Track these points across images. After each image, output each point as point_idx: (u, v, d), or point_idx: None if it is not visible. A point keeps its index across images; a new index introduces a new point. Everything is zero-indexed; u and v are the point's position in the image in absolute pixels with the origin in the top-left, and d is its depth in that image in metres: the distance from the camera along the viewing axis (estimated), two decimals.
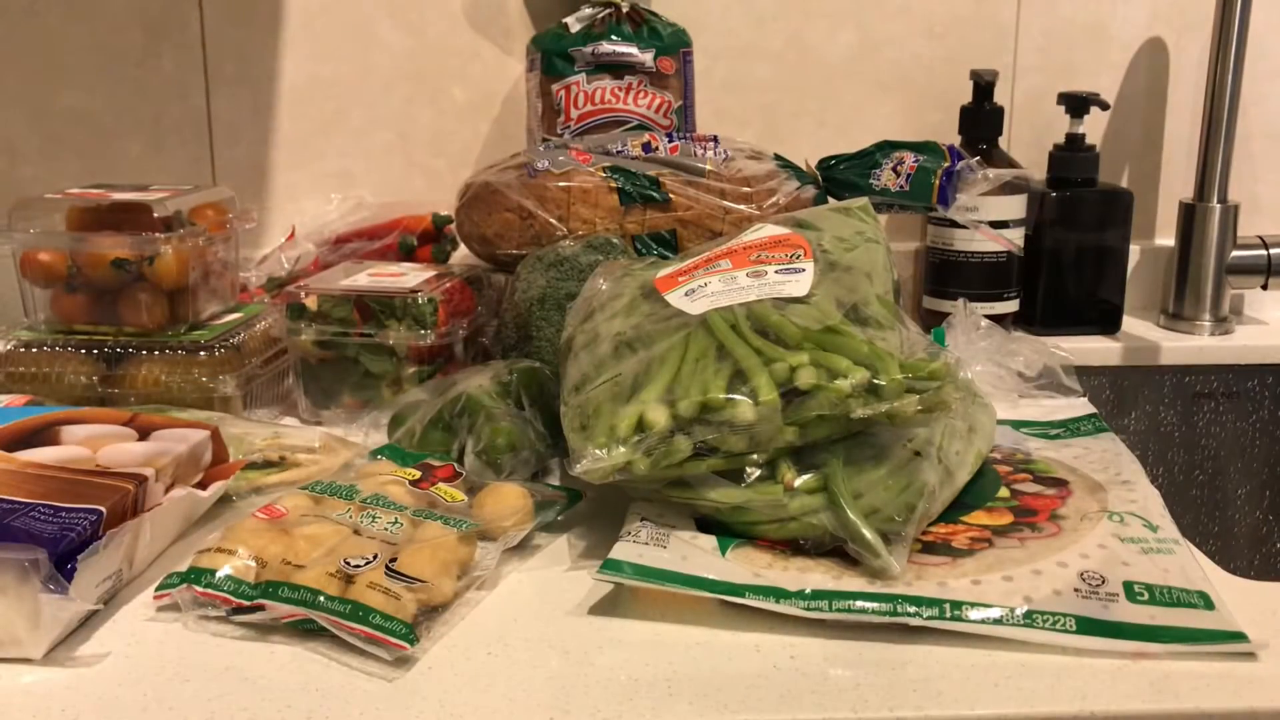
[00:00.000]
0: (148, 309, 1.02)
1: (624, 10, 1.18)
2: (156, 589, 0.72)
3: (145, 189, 1.07)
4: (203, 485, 0.82)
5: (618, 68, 1.17)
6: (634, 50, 1.16)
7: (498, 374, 0.93)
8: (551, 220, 1.03)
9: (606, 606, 0.72)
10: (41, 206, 1.04)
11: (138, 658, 0.67)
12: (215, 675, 0.65)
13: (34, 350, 1.02)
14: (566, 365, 0.83)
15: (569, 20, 1.18)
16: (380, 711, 0.62)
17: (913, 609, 0.67)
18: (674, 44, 1.18)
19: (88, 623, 0.70)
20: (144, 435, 0.83)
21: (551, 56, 1.17)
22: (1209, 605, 0.67)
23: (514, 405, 0.90)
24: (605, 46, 1.16)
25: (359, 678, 0.65)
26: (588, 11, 1.18)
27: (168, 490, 0.78)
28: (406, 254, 1.22)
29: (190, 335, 1.02)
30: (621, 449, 0.72)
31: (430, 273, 1.08)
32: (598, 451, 0.72)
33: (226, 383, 0.99)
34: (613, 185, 1.04)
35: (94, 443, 0.81)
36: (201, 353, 1.00)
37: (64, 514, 0.69)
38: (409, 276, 1.06)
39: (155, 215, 1.01)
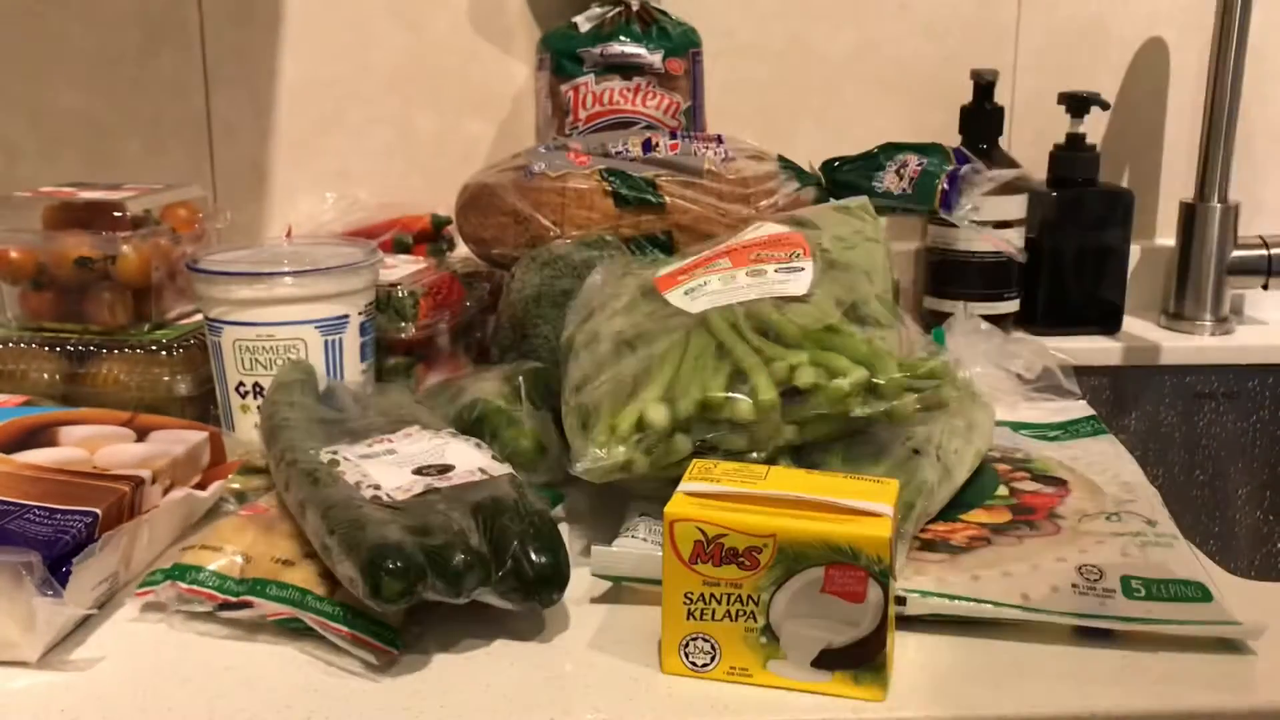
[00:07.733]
0: (110, 308, 1.01)
1: (634, 9, 1.18)
2: (139, 586, 0.72)
3: (118, 188, 1.07)
4: (201, 486, 0.82)
5: (626, 69, 1.16)
6: (643, 51, 1.16)
7: (507, 377, 0.92)
8: (546, 223, 1.02)
9: (607, 605, 0.72)
10: (14, 204, 1.04)
11: (136, 659, 0.67)
12: (214, 675, 0.65)
13: (2, 346, 1.01)
14: (567, 365, 0.83)
15: (579, 19, 1.18)
16: (380, 711, 0.62)
17: (914, 593, 0.68)
18: (683, 44, 1.18)
19: (85, 624, 0.70)
20: (142, 436, 0.83)
21: (560, 57, 1.17)
22: (1206, 597, 0.67)
23: (530, 407, 0.90)
24: (614, 48, 1.16)
25: (359, 678, 0.65)
26: (597, 10, 1.18)
27: (166, 492, 0.78)
28: (401, 254, 1.22)
29: (152, 335, 1.01)
30: (621, 448, 0.72)
31: (421, 265, 1.08)
32: (598, 451, 0.72)
33: (181, 383, 0.97)
34: (608, 189, 1.03)
35: (92, 444, 0.81)
36: (161, 352, 0.99)
37: (59, 516, 0.68)
38: (398, 269, 1.06)
39: (122, 214, 1.01)
